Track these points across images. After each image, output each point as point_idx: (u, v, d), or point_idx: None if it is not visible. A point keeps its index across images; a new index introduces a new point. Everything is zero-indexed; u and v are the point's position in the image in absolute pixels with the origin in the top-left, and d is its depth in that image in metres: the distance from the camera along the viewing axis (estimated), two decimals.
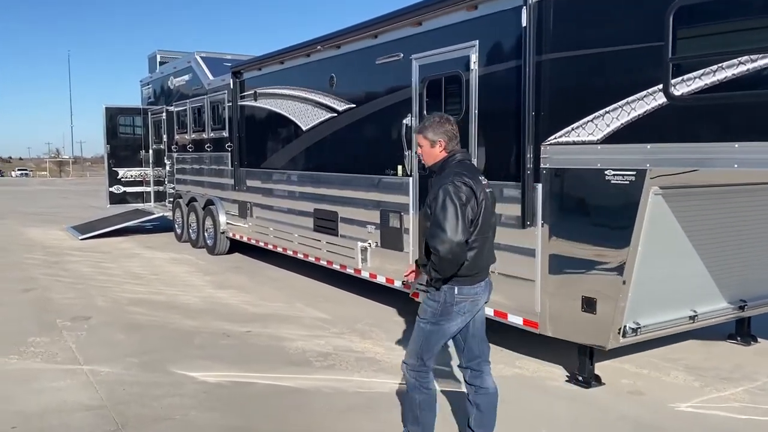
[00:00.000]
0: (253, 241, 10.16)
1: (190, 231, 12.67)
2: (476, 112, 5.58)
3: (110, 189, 15.01)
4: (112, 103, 15.56)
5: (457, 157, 3.63)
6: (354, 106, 7.36)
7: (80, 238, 13.47)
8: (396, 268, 6.77)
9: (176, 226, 13.49)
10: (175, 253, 11.82)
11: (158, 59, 15.11)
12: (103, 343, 6.09)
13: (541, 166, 4.97)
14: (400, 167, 6.62)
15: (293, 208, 8.90)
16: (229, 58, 12.19)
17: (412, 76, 6.32)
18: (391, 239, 6.80)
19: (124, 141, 15.38)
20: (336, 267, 7.86)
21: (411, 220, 6.48)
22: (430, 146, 3.65)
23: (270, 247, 9.60)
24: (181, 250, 12.20)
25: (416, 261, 3.98)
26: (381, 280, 7.02)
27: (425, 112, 6.21)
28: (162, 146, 14.36)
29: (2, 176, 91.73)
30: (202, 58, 12.33)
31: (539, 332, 5.12)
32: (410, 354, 3.67)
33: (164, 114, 13.94)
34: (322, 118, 8.00)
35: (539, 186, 5.00)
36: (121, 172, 15.11)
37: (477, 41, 5.53)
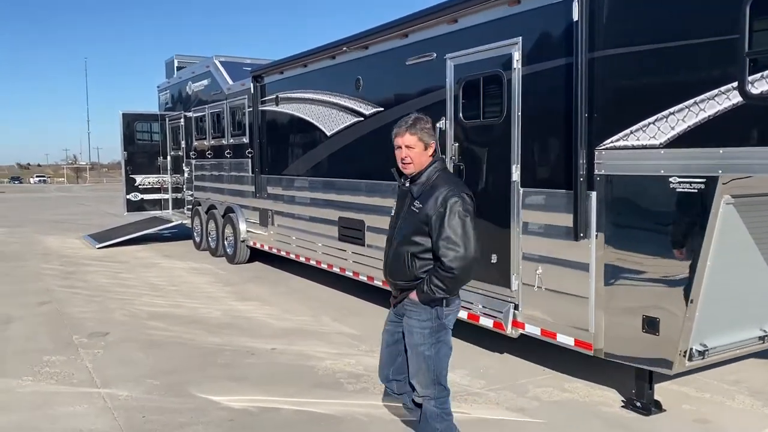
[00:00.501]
0: (274, 250, 9.82)
1: (209, 239, 12.37)
2: (519, 114, 5.18)
3: (127, 196, 14.78)
4: (129, 110, 15.37)
5: (439, 165, 3.42)
6: (382, 109, 6.99)
7: (97, 246, 13.22)
8: None
9: (195, 234, 13.20)
10: (194, 262, 11.51)
11: (176, 64, 14.88)
12: (121, 363, 5.76)
13: (595, 172, 4.55)
14: None
15: (316, 216, 8.54)
16: (249, 63, 11.89)
17: (446, 76, 5.93)
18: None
19: (142, 147, 15.15)
20: (363, 278, 7.48)
21: None
22: (424, 149, 3.37)
23: (292, 256, 9.25)
24: (200, 259, 11.90)
25: (391, 279, 3.52)
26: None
27: (461, 114, 5.83)
28: (180, 153, 14.10)
29: (21, 183, 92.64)
30: (221, 62, 12.05)
31: (593, 354, 4.69)
32: (426, 385, 3.41)
33: (182, 120, 13.68)
34: (348, 123, 7.64)
35: (593, 194, 4.58)
36: (139, 179, 14.88)
37: (520, 38, 5.13)
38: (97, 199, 34.83)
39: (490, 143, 5.53)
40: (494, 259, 5.50)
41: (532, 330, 5.18)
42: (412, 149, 3.35)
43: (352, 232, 7.70)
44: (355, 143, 7.52)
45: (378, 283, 7.16)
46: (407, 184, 3.41)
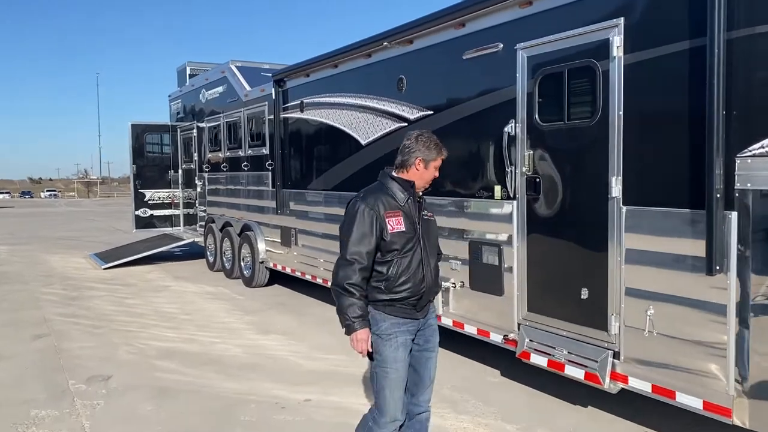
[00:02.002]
0: (297, 273, 8.79)
1: (224, 259, 11.37)
2: (620, 114, 4.14)
3: (136, 212, 13.86)
4: (138, 120, 14.50)
5: None
6: (430, 113, 5.97)
7: (103, 267, 12.25)
8: (491, 317, 5.32)
9: (208, 253, 12.20)
10: (208, 285, 10.50)
11: (188, 72, 13.97)
12: (125, 419, 4.74)
13: (736, 186, 3.50)
14: (497, 188, 5.20)
15: None
16: (267, 68, 10.95)
17: (517, 71, 4.91)
18: (485, 279, 5.36)
19: (152, 160, 14.25)
20: None
21: (515, 256, 5.03)
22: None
23: (319, 281, 8.21)
24: (214, 281, 10.89)
25: (435, 293, 3.51)
26: (470, 330, 5.57)
27: (537, 116, 4.80)
28: (192, 165, 13.15)
29: (31, 197, 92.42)
30: (237, 67, 11.12)
31: (732, 422, 3.61)
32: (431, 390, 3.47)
33: (195, 130, 12.75)
34: (387, 130, 6.63)
35: (733, 215, 3.52)
36: (149, 194, 13.97)
37: (621, 19, 4.11)
38: (106, 214, 34.02)
39: (579, 151, 4.50)
40: (584, 294, 4.44)
41: (639, 385, 4.10)
42: (438, 170, 3.50)
43: None
44: (395, 154, 6.49)
45: None
46: (415, 197, 3.39)
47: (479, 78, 5.36)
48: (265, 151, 9.70)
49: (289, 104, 8.83)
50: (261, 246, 9.87)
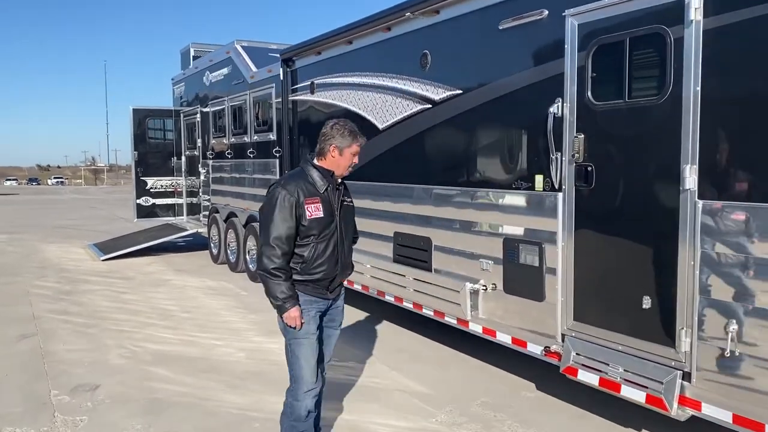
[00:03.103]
0: None
1: (228, 252, 10.75)
2: (697, 90, 3.46)
3: (138, 201, 13.28)
4: (140, 105, 13.85)
5: None
6: (459, 92, 5.29)
7: (101, 259, 11.65)
8: (529, 325, 4.67)
9: (212, 245, 11.58)
10: (210, 279, 9.88)
11: (192, 54, 13.26)
12: None
13: None
14: (539, 178, 4.52)
15: (364, 231, 6.79)
16: (275, 48, 10.25)
17: (565, 41, 4.22)
18: (523, 282, 4.69)
19: (154, 147, 13.66)
20: (428, 313, 5.78)
21: (559, 256, 4.36)
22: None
23: None
24: (217, 275, 10.26)
25: (347, 274, 3.68)
26: (503, 339, 4.92)
27: (589, 94, 4.11)
28: (196, 152, 12.51)
29: (38, 184, 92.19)
30: (243, 47, 10.44)
31: None
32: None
33: (198, 115, 12.10)
34: (408, 112, 5.95)
35: None
36: (150, 181, 13.39)
37: None
38: (111, 202, 33.49)
39: (642, 134, 3.81)
40: (646, 302, 3.78)
41: (717, 414, 3.44)
42: (357, 156, 3.59)
43: (413, 252, 6.00)
44: (419, 138, 5.83)
45: (450, 320, 5.46)
46: (335, 184, 3.51)
47: (518, 51, 4.67)
48: (272, 137, 9.04)
49: (298, 86, 8.16)
50: None
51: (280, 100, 8.54)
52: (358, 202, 7.09)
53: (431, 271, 5.73)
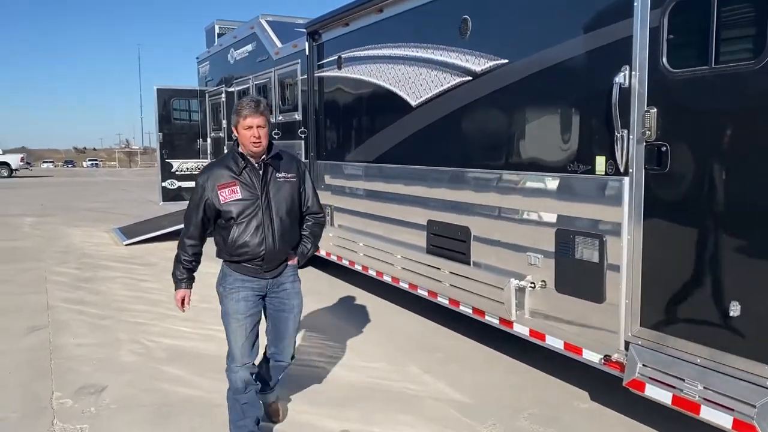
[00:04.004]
0: (333, 258, 7.64)
1: None
2: None
3: (163, 184, 12.95)
4: (165, 84, 13.45)
5: None
6: (503, 62, 4.66)
7: (124, 243, 11.33)
8: (586, 330, 4.06)
9: None
10: None
11: (216, 31, 12.82)
12: None
13: None
14: (600, 159, 3.89)
15: (394, 218, 6.31)
16: (302, 23, 9.67)
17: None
18: (579, 280, 4.08)
19: (179, 128, 13.27)
20: (465, 310, 5.21)
21: (624, 251, 3.74)
22: (268, 127, 3.52)
23: (357, 267, 7.05)
24: None
25: (282, 251, 3.60)
26: (554, 344, 4.32)
27: (664, 59, 3.46)
28: (221, 134, 12.06)
29: (74, 166, 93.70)
30: (268, 22, 9.91)
31: None
32: (294, 343, 3.81)
33: (223, 95, 11.63)
34: (445, 86, 5.34)
35: None
36: (176, 164, 13.03)
37: None
38: (142, 184, 33.47)
39: (734, 107, 3.15)
40: (735, 309, 3.14)
41: None
42: (263, 128, 3.45)
43: (449, 243, 5.42)
44: (457, 115, 5.22)
45: (492, 319, 4.88)
46: (260, 161, 3.51)
47: (576, 12, 4.02)
48: (298, 116, 8.52)
49: (324, 61, 7.59)
50: None
51: (305, 77, 7.99)
52: (388, 188, 6.58)
53: (470, 264, 5.15)
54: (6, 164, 40.29)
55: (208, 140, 12.85)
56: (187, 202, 3.64)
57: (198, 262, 3.62)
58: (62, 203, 20.68)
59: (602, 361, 3.92)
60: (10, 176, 39.23)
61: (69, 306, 7.06)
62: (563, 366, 4.74)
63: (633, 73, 3.61)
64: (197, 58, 13.57)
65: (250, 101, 3.49)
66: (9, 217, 15.98)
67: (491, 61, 4.77)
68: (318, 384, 4.79)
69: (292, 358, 3.85)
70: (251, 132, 3.40)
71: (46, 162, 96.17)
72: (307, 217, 3.76)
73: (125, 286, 8.10)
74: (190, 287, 3.60)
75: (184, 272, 3.57)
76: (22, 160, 42.59)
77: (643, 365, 3.63)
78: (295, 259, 3.70)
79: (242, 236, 3.45)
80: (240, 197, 3.44)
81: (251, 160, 3.49)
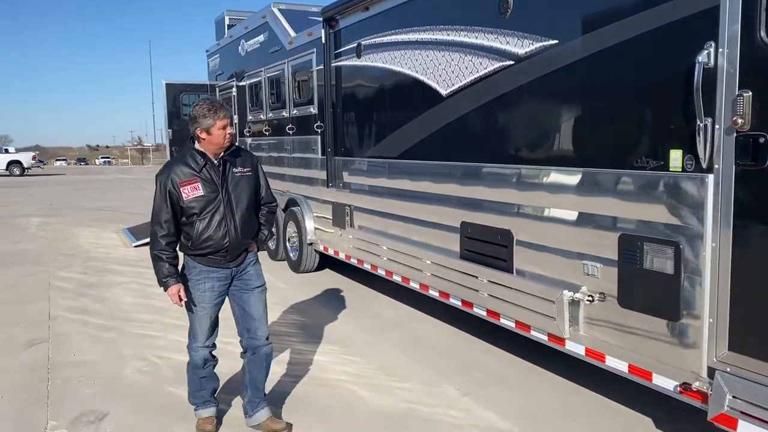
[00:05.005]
0: (353, 261, 7.10)
1: None
2: None
3: None
4: (173, 79, 12.97)
5: None
6: (553, 43, 4.08)
7: (133, 245, 10.87)
8: (657, 351, 3.49)
9: None
10: None
11: (227, 22, 12.27)
12: None
13: None
14: (675, 153, 3.31)
15: (422, 219, 5.75)
16: (316, 11, 9.12)
17: None
18: (647, 293, 3.51)
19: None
20: (507, 324, 4.65)
21: (707, 261, 3.16)
22: None
23: (381, 272, 6.50)
24: None
25: (243, 242, 3.79)
26: (616, 365, 3.75)
27: (762, 33, 2.87)
28: (232, 130, 11.53)
29: (86, 164, 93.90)
30: (280, 10, 9.33)
31: None
32: (266, 322, 3.95)
33: (234, 89, 11.10)
34: (482, 73, 4.77)
35: None
36: None
37: None
38: (154, 181, 33.15)
39: None
40: None
41: None
42: (231, 127, 3.71)
43: (486, 248, 4.86)
44: (497, 104, 4.65)
45: (539, 335, 4.32)
46: (219, 158, 3.67)
47: None
48: (313, 110, 7.97)
49: (342, 49, 7.03)
50: (309, 225, 8.22)
51: (321, 67, 7.44)
52: (415, 187, 6.03)
53: (512, 272, 4.59)
54: (18, 163, 40.17)
55: (229, 129, 12.33)
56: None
57: (178, 256, 3.70)
58: (72, 202, 20.33)
59: (678, 389, 3.35)
60: (22, 174, 39.12)
61: (71, 316, 6.58)
62: (620, 387, 4.17)
63: (720, 50, 3.03)
64: (207, 51, 13.05)
65: (219, 103, 3.70)
66: (16, 218, 15.60)
67: (537, 43, 4.19)
68: (344, 409, 4.26)
69: (267, 338, 3.92)
70: (226, 131, 3.60)
71: (59, 160, 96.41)
72: (261, 207, 3.96)
73: (132, 292, 7.62)
74: (180, 281, 3.67)
75: (171, 268, 3.64)
76: (34, 158, 42.48)
77: (733, 397, 3.06)
78: (255, 246, 3.92)
79: (206, 230, 3.62)
80: (202, 194, 3.60)
81: (210, 157, 3.63)
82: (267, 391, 4.08)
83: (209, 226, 3.61)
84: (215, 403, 4.03)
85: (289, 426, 3.92)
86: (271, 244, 9.63)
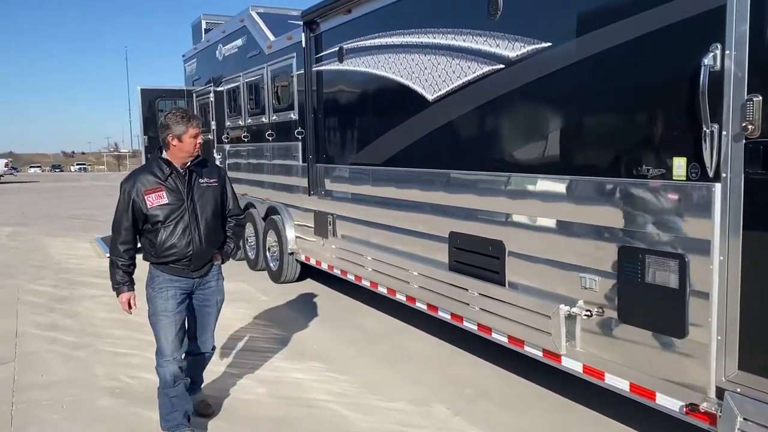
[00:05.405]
0: (336, 271, 6.86)
1: (247, 247, 9.50)
2: None
3: None
4: (149, 84, 12.64)
5: None
6: (545, 46, 3.90)
7: (107, 255, 10.46)
8: (661, 369, 3.31)
9: None
10: (226, 280, 8.54)
11: (203, 26, 11.99)
12: None
13: None
14: (679, 161, 3.14)
15: (409, 229, 5.54)
16: (296, 15, 8.89)
17: None
18: (650, 308, 3.33)
19: None
20: (499, 338, 4.45)
21: (715, 275, 3.00)
22: None
23: (365, 283, 6.27)
24: (235, 273, 8.98)
25: (208, 251, 3.86)
26: (617, 384, 3.57)
27: None
28: (210, 136, 11.25)
29: (61, 171, 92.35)
30: (259, 14, 9.10)
31: None
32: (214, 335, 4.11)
33: (211, 95, 10.80)
34: (471, 77, 4.57)
35: None
36: None
37: None
38: None
39: None
40: None
41: None
42: (201, 138, 3.78)
43: (477, 259, 4.66)
44: (486, 109, 4.46)
45: (534, 350, 4.12)
46: (185, 168, 3.72)
47: None
48: (294, 116, 7.73)
49: (323, 53, 6.81)
50: (290, 234, 7.97)
51: (302, 72, 7.21)
52: (401, 195, 5.83)
53: (504, 285, 4.39)
54: None
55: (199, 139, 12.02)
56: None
57: (135, 265, 3.74)
58: (45, 210, 19.82)
59: (684, 409, 3.17)
60: None
61: (40, 333, 6.25)
62: (618, 405, 3.99)
63: (726, 52, 2.87)
64: (183, 56, 12.74)
65: (186, 112, 3.74)
66: None
67: (530, 45, 4.01)
68: None
69: (213, 348, 4.15)
70: (197, 140, 3.68)
71: (34, 167, 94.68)
72: (229, 219, 4.02)
73: (105, 306, 7.28)
74: (133, 289, 3.73)
75: (125, 276, 3.70)
76: (6, 165, 41.70)
77: (744, 419, 2.88)
78: (220, 257, 3.98)
79: (170, 238, 3.67)
80: (166, 202, 3.65)
81: (177, 166, 3.69)
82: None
83: (173, 234, 3.67)
84: (190, 429, 3.87)
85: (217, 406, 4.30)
86: (251, 253, 9.36)
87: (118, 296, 3.75)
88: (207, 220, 3.77)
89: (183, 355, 3.91)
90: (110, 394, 4.70)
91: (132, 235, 3.67)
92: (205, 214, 3.77)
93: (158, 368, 3.83)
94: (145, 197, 3.62)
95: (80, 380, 4.97)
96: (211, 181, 3.83)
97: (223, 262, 4.04)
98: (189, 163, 3.72)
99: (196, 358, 4.10)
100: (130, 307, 3.74)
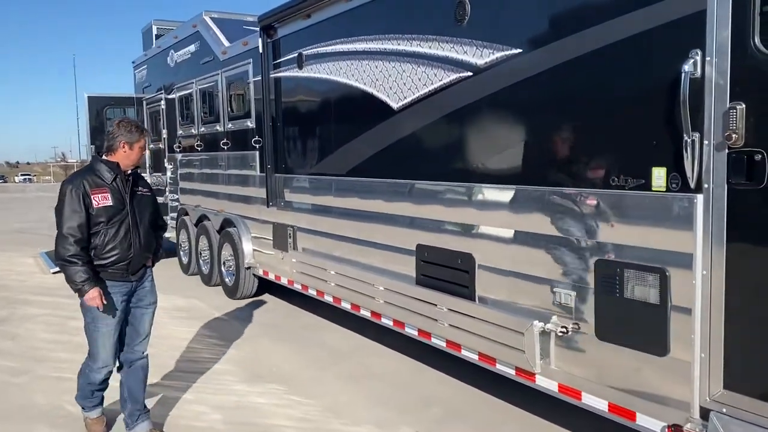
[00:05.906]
0: (297, 286, 6.60)
1: (201, 261, 9.14)
2: None
3: None
4: (96, 92, 12.15)
5: None
6: (515, 53, 3.77)
7: (52, 271, 9.96)
8: (641, 388, 3.18)
9: (181, 252, 9.96)
10: (179, 295, 8.24)
11: (154, 32, 11.59)
12: None
13: None
14: (658, 171, 3.03)
15: (374, 241, 5.33)
16: (252, 21, 8.62)
17: None
18: (629, 325, 3.20)
19: None
20: (470, 356, 4.28)
21: (698, 290, 2.88)
22: None
23: (328, 299, 6.03)
24: (188, 289, 8.65)
25: (146, 256, 4.01)
26: (594, 403, 3.43)
27: (755, 40, 2.63)
28: (161, 145, 10.83)
29: (5, 182, 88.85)
30: (213, 19, 8.80)
31: None
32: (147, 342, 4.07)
33: (163, 102, 10.42)
34: (437, 85, 4.41)
35: None
36: None
37: None
38: None
39: None
40: None
41: None
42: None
43: (446, 273, 4.48)
44: (454, 118, 4.30)
45: (506, 369, 3.96)
46: (128, 174, 3.85)
47: None
48: (251, 124, 7.46)
49: (282, 59, 6.57)
50: (247, 247, 7.66)
51: (259, 78, 6.95)
52: (362, 204, 5.63)
53: (474, 300, 4.22)
54: None
55: (146, 152, 11.58)
56: (56, 212, 3.70)
57: (92, 261, 3.70)
58: None
59: (667, 430, 3.05)
60: None
61: None
62: (598, 424, 3.85)
63: (707, 59, 2.77)
64: (133, 62, 12.28)
65: (139, 124, 3.92)
66: None
67: (499, 52, 3.87)
68: None
69: (144, 353, 4.07)
70: (143, 152, 3.90)
71: None
72: (158, 228, 4.23)
73: (48, 326, 6.84)
74: (98, 285, 3.67)
75: (89, 272, 3.63)
76: None
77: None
78: (151, 262, 4.08)
79: (113, 240, 3.73)
80: (111, 203, 3.72)
81: (120, 171, 3.79)
82: None
83: (116, 236, 3.73)
84: (102, 404, 4.17)
85: None
86: (204, 268, 8.99)
87: (82, 296, 3.64)
88: (145, 226, 3.92)
89: (117, 365, 4.00)
90: (52, 425, 4.33)
91: (86, 231, 3.64)
92: (144, 219, 3.91)
93: (88, 371, 3.90)
94: (92, 196, 3.66)
95: (19, 410, 4.58)
96: (145, 190, 4.01)
97: (152, 266, 4.12)
98: (129, 171, 3.85)
99: (130, 370, 4.03)
100: (102, 301, 3.66)
